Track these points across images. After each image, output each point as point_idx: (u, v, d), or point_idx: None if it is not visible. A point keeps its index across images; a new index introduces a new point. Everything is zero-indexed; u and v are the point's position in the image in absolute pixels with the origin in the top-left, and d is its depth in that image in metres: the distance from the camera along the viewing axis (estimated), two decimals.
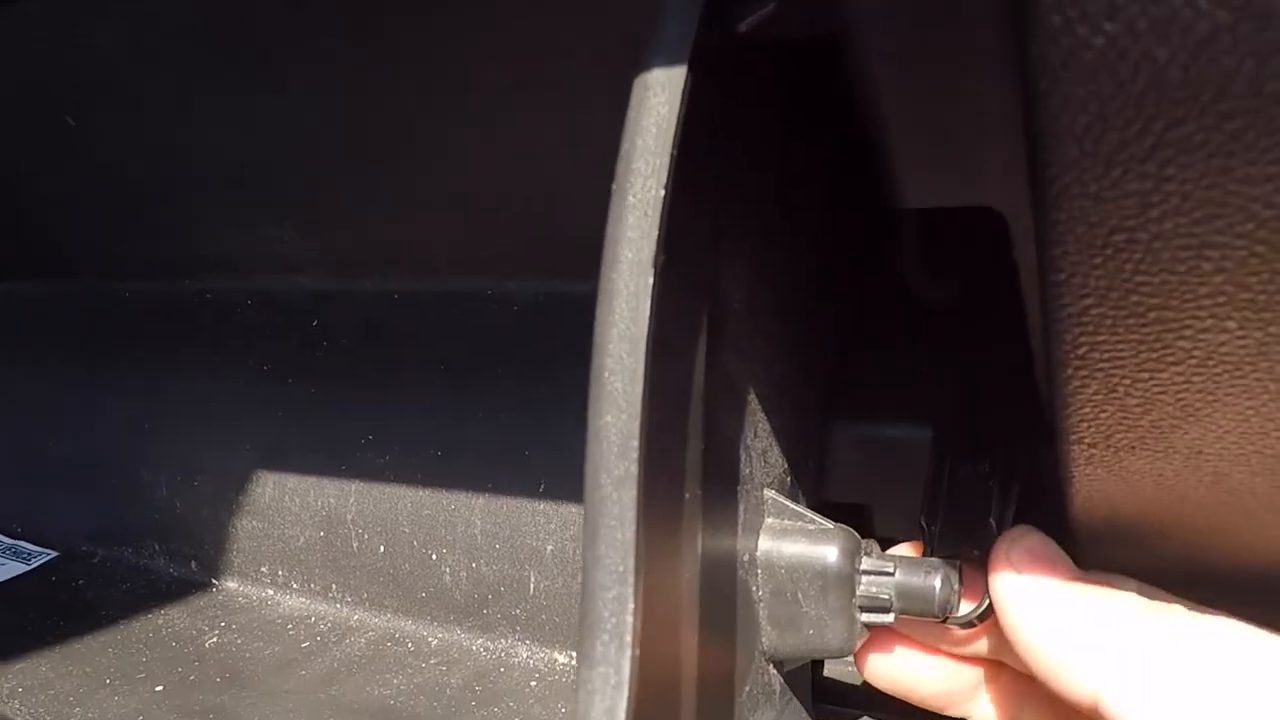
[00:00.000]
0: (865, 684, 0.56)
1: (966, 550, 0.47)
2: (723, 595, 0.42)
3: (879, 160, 0.38)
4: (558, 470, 0.59)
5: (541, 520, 0.59)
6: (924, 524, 0.48)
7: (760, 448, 0.45)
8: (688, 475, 0.37)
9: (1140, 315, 0.30)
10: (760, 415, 0.45)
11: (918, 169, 0.37)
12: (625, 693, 0.29)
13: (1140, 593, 0.41)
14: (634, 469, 0.30)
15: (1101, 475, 0.39)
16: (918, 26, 0.30)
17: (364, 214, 0.64)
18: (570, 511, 0.58)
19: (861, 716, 0.55)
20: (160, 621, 0.66)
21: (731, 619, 0.43)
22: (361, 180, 0.62)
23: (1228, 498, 0.38)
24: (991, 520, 0.47)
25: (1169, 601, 0.40)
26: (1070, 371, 0.33)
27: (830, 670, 0.60)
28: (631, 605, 0.30)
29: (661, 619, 0.35)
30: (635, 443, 0.30)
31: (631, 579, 0.30)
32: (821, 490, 0.53)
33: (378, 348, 0.67)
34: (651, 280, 0.30)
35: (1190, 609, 0.39)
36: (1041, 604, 0.41)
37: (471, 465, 0.61)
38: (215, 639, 0.64)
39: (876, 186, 0.40)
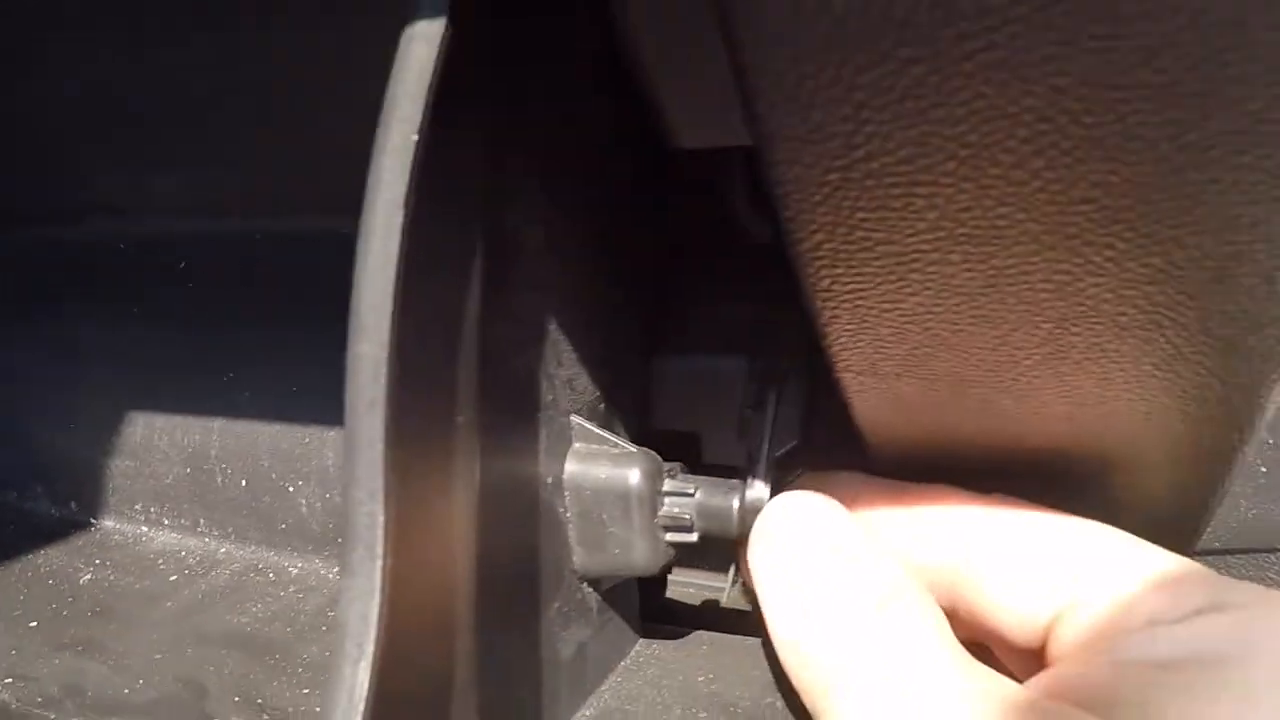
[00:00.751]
0: (705, 604, 0.59)
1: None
2: (521, 515, 0.44)
3: (652, 104, 0.40)
4: None
5: None
6: (747, 451, 0.50)
7: (565, 376, 0.47)
8: (460, 400, 0.39)
9: (869, 249, 0.32)
10: (565, 346, 0.47)
11: (685, 112, 0.39)
12: (377, 599, 0.32)
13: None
14: (382, 395, 0.32)
15: (875, 402, 0.41)
16: None
17: (232, 157, 0.66)
18: None
19: (693, 631, 0.57)
20: (39, 561, 0.68)
21: (533, 538, 0.45)
22: (230, 124, 0.64)
23: (996, 422, 0.41)
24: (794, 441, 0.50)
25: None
26: (821, 304, 0.36)
27: (674, 594, 0.63)
28: (382, 519, 0.32)
29: (430, 533, 0.37)
30: (384, 370, 0.32)
31: (381, 496, 0.32)
32: (650, 419, 0.55)
33: (242, 288, 0.68)
34: (402, 219, 0.32)
35: None
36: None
37: (323, 401, 0.63)
38: (90, 576, 0.66)
39: (656, 129, 0.43)
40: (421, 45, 0.33)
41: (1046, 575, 0.40)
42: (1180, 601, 0.37)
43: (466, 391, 0.39)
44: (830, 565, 0.42)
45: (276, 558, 0.65)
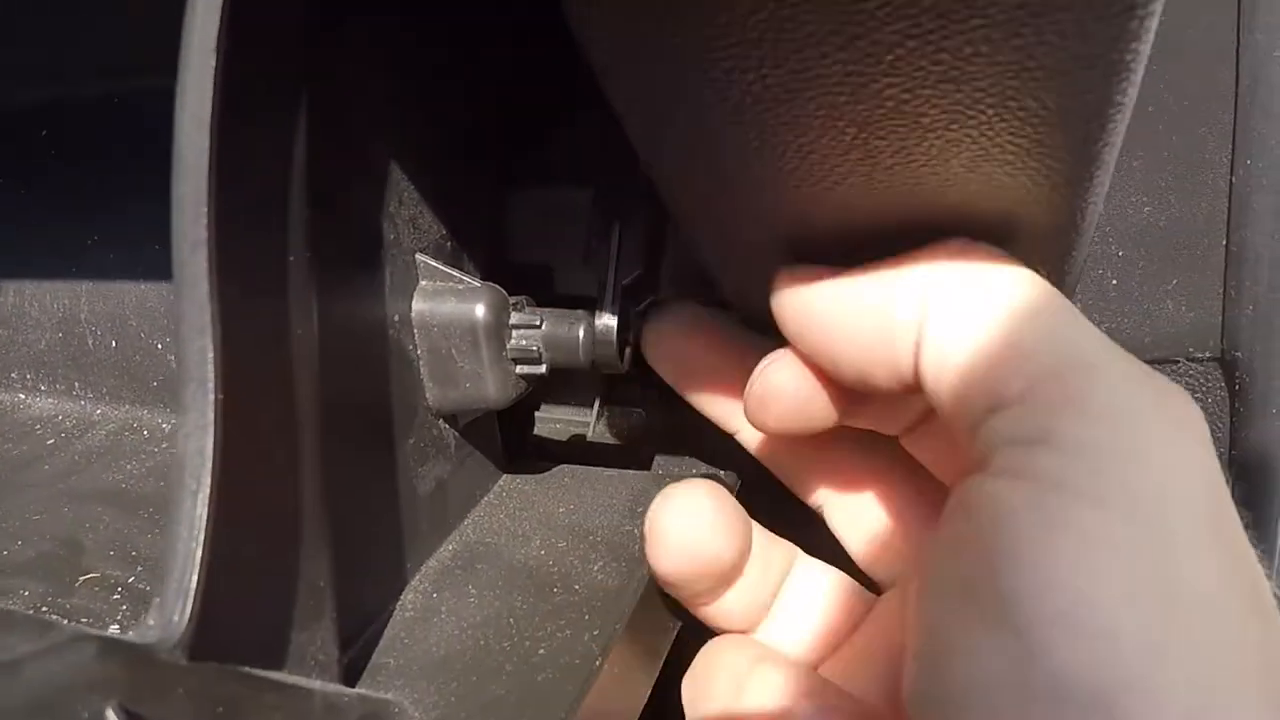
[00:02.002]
0: (572, 439, 0.60)
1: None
2: (368, 354, 0.45)
3: None
4: None
5: None
6: (597, 280, 0.51)
7: (408, 215, 0.47)
8: (291, 239, 0.39)
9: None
10: (406, 185, 0.47)
11: None
12: (211, 433, 0.33)
13: None
14: (204, 234, 0.33)
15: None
16: None
17: (78, 20, 0.65)
18: None
19: (558, 465, 0.59)
20: None
21: (383, 376, 0.46)
22: None
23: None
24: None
25: None
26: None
27: (542, 430, 0.64)
28: (211, 354, 0.33)
29: (267, 370, 0.38)
30: (205, 209, 0.33)
31: (209, 331, 0.33)
32: (504, 252, 0.56)
33: (103, 153, 0.68)
34: (214, 63, 0.33)
35: None
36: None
37: None
38: None
39: None
40: None
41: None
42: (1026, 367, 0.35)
43: (298, 231, 0.40)
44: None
45: (150, 415, 0.65)
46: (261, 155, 0.38)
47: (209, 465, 0.33)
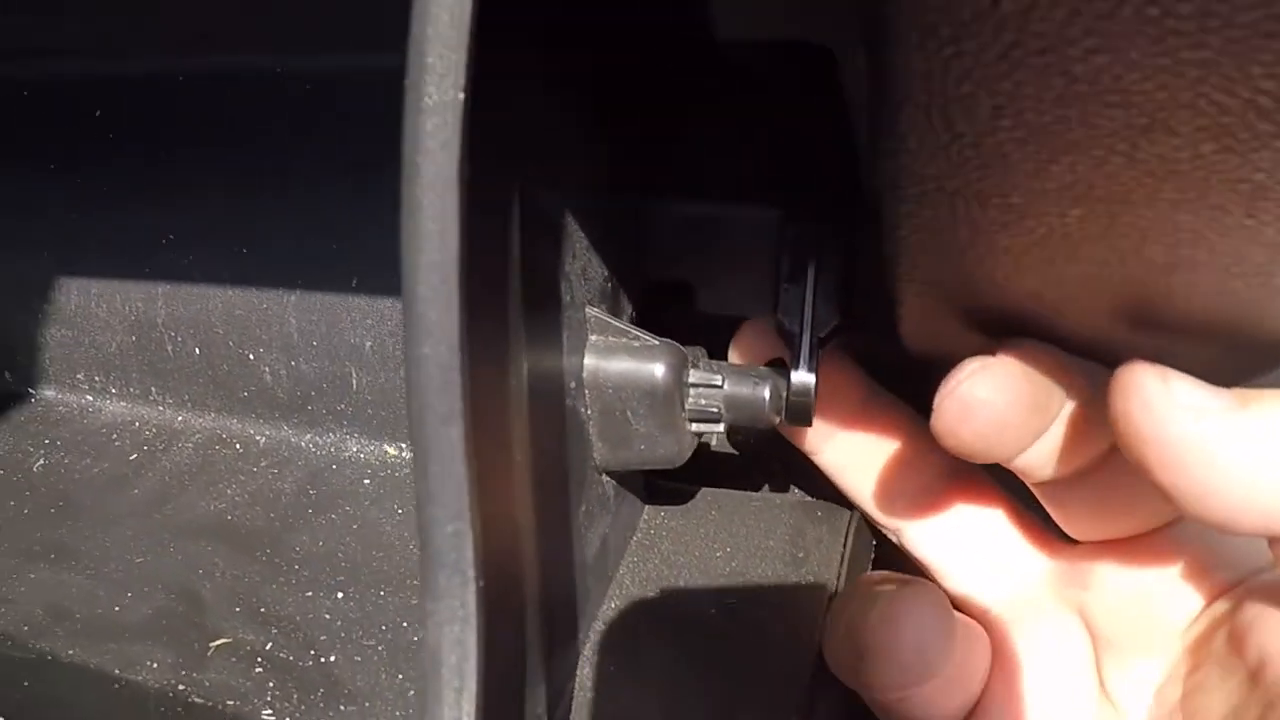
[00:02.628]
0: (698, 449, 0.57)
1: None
2: (552, 425, 0.42)
3: None
4: (369, 263, 0.57)
5: (358, 316, 0.57)
6: (782, 322, 0.46)
7: (579, 268, 0.43)
8: (511, 339, 0.36)
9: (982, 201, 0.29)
10: (578, 235, 0.43)
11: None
12: (474, 623, 0.29)
13: None
14: (459, 404, 0.29)
15: (928, 305, 0.39)
16: None
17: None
18: (385, 306, 0.57)
19: (695, 489, 0.56)
20: None
21: (562, 445, 0.43)
22: None
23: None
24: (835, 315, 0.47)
25: None
26: (902, 232, 0.33)
27: None
28: (470, 538, 0.29)
29: (499, 499, 0.34)
30: (457, 376, 0.29)
31: (467, 514, 0.29)
32: (642, 269, 0.52)
33: (167, 138, 0.63)
34: (458, 198, 0.29)
35: None
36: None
37: (279, 261, 0.59)
38: (42, 461, 0.62)
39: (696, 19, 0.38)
40: None
41: None
42: None
43: (517, 323, 0.36)
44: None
45: (241, 426, 0.62)
46: (493, 266, 0.34)
47: (473, 662, 0.29)
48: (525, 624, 0.37)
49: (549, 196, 0.40)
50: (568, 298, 0.42)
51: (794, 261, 0.46)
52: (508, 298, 0.35)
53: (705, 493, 0.56)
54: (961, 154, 0.27)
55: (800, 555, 0.51)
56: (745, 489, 0.57)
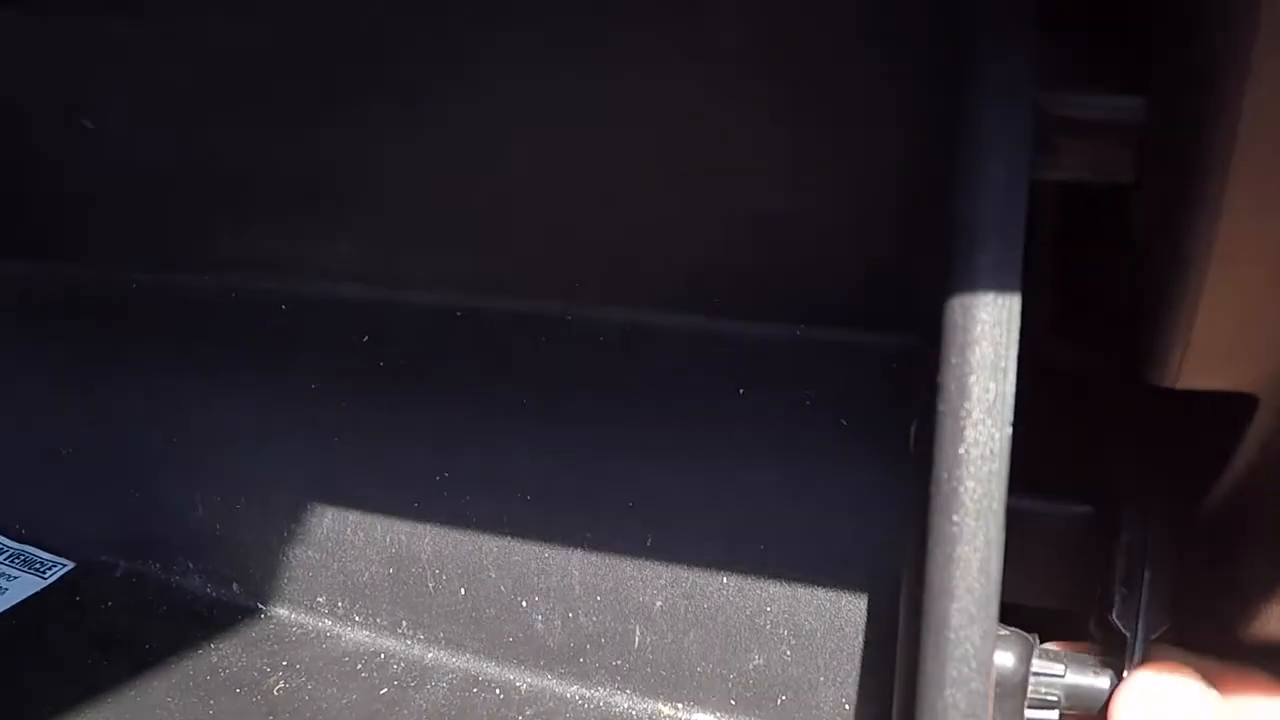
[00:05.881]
0: None
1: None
2: None
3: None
4: (662, 521, 0.57)
5: (649, 574, 0.57)
6: (1116, 622, 0.47)
7: None
8: None
9: None
10: None
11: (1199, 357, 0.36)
12: None
13: None
14: (994, 614, 0.29)
15: None
16: None
17: (434, 228, 0.61)
18: (678, 570, 0.57)
19: None
20: (214, 659, 0.63)
21: None
22: (427, 195, 0.59)
23: None
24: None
25: None
26: None
27: None
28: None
29: None
30: (994, 589, 0.29)
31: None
32: None
33: (441, 371, 0.63)
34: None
35: None
36: None
37: (565, 513, 0.59)
38: (282, 684, 0.61)
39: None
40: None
41: None
42: None
43: None
44: None
45: (499, 671, 0.61)
46: None
47: None
48: None
49: None
50: None
51: (1128, 567, 0.47)
52: None
53: None
54: None
55: None
56: None
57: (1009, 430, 0.30)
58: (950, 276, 0.30)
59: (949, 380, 0.30)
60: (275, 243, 0.66)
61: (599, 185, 0.53)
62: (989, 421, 0.30)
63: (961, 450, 0.30)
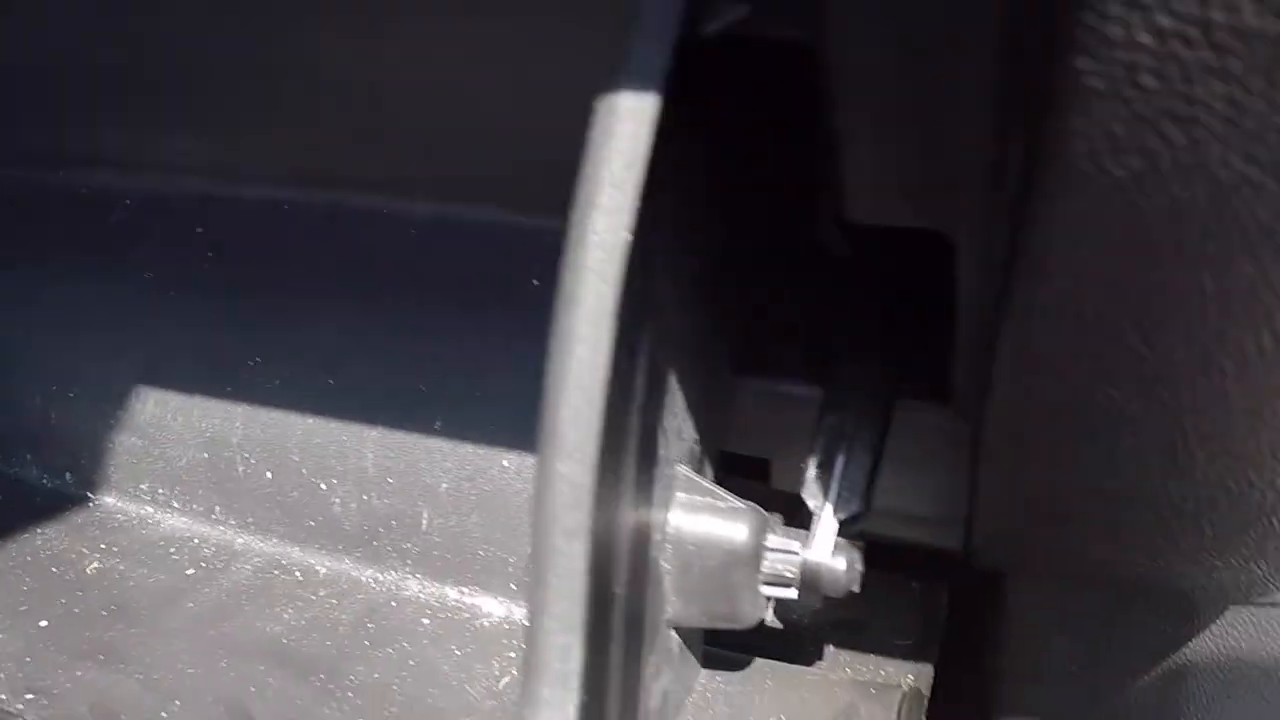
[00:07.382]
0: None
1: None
2: (636, 573, 0.42)
3: (831, 174, 0.37)
4: (452, 408, 0.58)
5: (437, 457, 0.58)
6: (805, 499, 0.48)
7: (675, 426, 0.44)
8: (623, 474, 0.36)
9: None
10: (678, 394, 0.44)
11: (871, 187, 0.36)
12: None
13: None
14: (586, 520, 0.30)
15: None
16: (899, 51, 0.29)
17: (266, 123, 0.62)
18: (466, 451, 0.57)
19: (750, 659, 0.56)
20: (39, 542, 0.64)
21: (642, 597, 0.43)
22: (267, 91, 0.60)
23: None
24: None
25: None
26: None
27: None
28: (579, 654, 0.30)
29: (599, 626, 0.35)
30: (588, 496, 0.30)
31: (580, 630, 0.30)
32: (725, 441, 0.53)
33: (268, 263, 0.64)
34: (610, 331, 0.30)
35: None
36: None
37: (364, 396, 0.60)
38: (97, 564, 0.62)
39: (827, 200, 0.40)
40: (629, 123, 0.30)
41: None
42: None
43: (629, 472, 0.37)
44: None
45: (302, 555, 0.62)
46: (621, 408, 0.35)
47: None
48: None
49: (663, 349, 0.41)
50: (663, 452, 0.43)
51: (827, 448, 0.48)
52: (626, 437, 0.36)
53: (760, 663, 0.56)
54: None
55: None
56: (799, 663, 0.57)
57: (626, 236, 0.30)
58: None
59: (580, 192, 0.31)
60: (119, 138, 0.68)
61: (416, 79, 0.55)
62: (604, 225, 0.30)
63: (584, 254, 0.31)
